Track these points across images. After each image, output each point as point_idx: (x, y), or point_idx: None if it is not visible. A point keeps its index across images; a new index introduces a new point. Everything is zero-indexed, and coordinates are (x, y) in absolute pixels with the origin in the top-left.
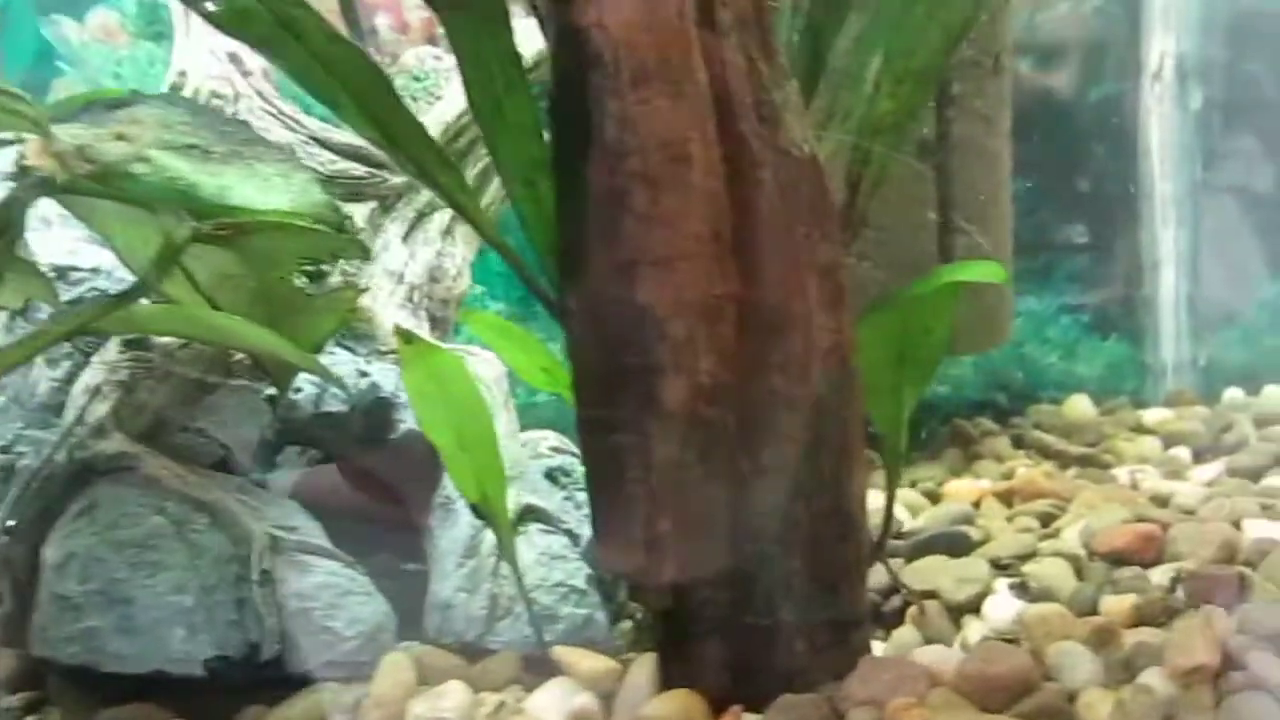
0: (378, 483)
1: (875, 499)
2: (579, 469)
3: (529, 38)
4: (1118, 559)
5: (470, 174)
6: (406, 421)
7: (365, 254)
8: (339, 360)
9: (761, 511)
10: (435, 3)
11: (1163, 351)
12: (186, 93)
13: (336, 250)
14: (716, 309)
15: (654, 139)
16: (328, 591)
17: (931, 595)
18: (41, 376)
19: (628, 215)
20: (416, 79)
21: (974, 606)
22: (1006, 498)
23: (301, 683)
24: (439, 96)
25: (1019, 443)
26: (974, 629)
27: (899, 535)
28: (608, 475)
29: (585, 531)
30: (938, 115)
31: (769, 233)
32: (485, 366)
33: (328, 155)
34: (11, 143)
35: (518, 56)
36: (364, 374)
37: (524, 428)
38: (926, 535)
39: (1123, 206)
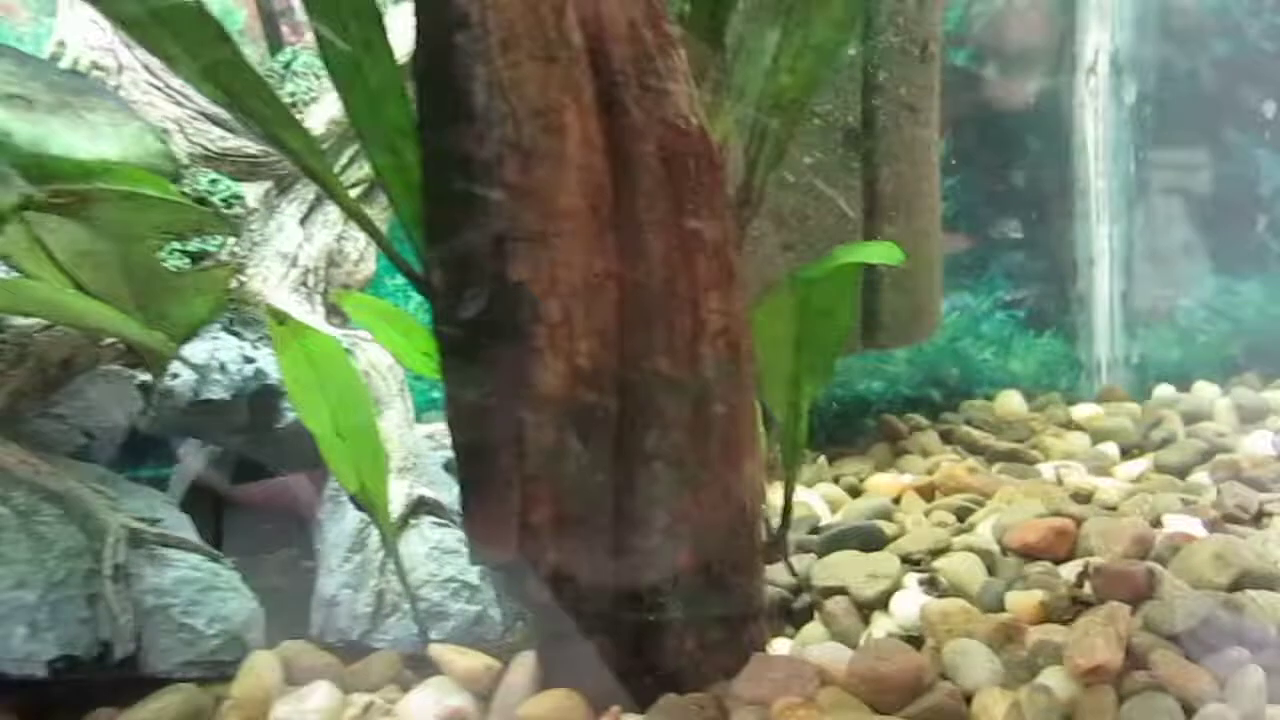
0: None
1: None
2: None
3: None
4: (1029, 554)
5: None
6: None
7: (232, 230)
8: (223, 346)
9: (646, 501)
10: None
11: (1096, 348)
12: (64, 64)
13: (198, 224)
14: (596, 288)
15: (525, 106)
16: (189, 587)
17: (841, 591)
18: None
19: (498, 187)
20: None
21: (883, 603)
22: (928, 493)
23: (158, 684)
24: None
25: (947, 438)
26: (882, 626)
27: (814, 530)
28: (479, 462)
29: None
30: (863, 103)
31: (652, 209)
32: (379, 353)
33: (218, 131)
34: None
35: (377, 12)
36: (249, 360)
37: (430, 419)
38: (838, 530)
39: (1058, 202)
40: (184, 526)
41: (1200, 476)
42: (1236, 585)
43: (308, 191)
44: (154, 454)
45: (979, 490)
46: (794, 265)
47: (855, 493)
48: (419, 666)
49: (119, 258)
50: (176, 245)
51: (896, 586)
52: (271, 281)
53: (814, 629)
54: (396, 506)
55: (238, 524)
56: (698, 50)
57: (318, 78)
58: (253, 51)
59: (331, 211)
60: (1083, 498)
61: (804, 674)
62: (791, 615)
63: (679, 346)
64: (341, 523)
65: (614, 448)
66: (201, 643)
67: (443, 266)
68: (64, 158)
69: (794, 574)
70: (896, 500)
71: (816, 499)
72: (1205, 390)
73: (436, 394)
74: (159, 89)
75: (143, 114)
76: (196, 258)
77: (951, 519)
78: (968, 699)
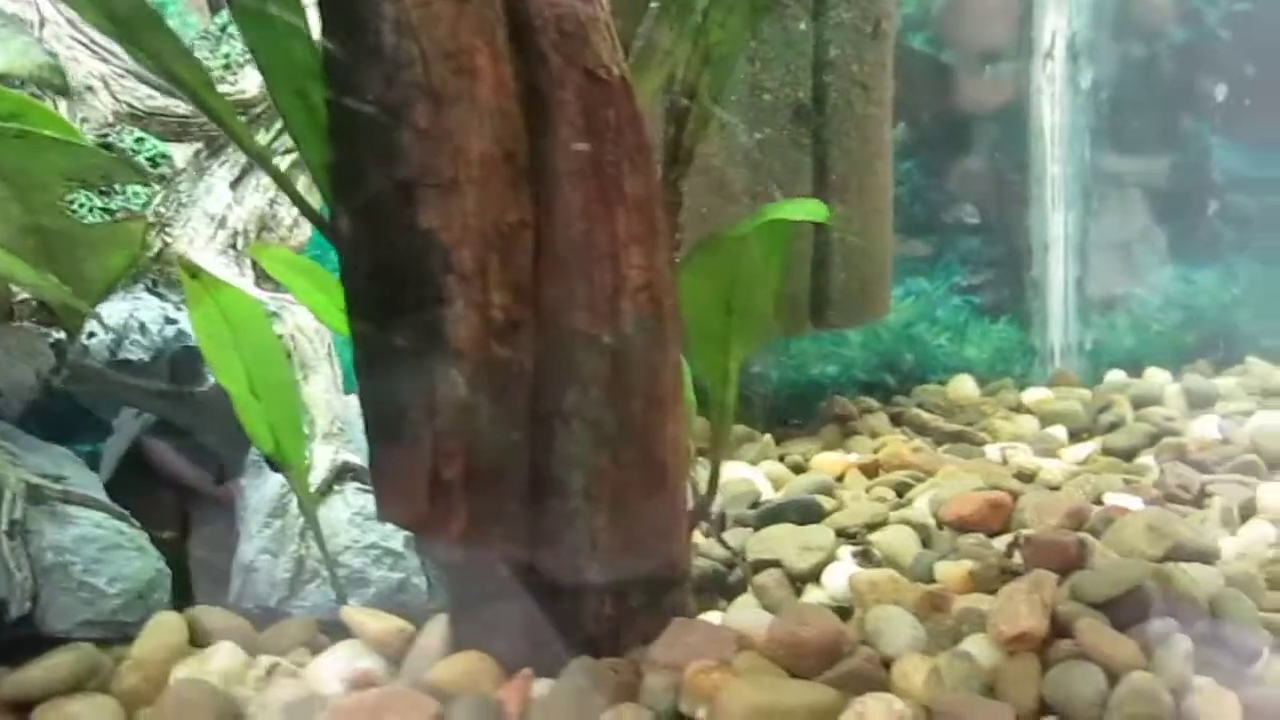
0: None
1: (737, 470)
2: None
3: None
4: (964, 527)
5: None
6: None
7: (141, 179)
8: (144, 306)
9: (562, 460)
10: None
11: (1051, 335)
12: None
13: (104, 172)
14: (510, 238)
15: (435, 48)
16: (91, 545)
17: (774, 564)
18: None
19: (407, 131)
20: None
21: (816, 575)
22: (872, 471)
23: (57, 644)
24: None
25: (897, 420)
26: (813, 597)
27: (754, 505)
28: (388, 418)
29: None
30: (814, 80)
31: (571, 159)
32: (306, 317)
33: (146, 90)
34: None
35: None
36: (171, 321)
37: None
38: (775, 504)
39: (1014, 187)
40: (92, 485)
41: (1147, 459)
42: (1169, 557)
43: (241, 155)
44: (92, 427)
45: (922, 468)
46: None
47: (800, 471)
48: (337, 632)
49: (24, 207)
50: (97, 203)
51: (830, 559)
52: (198, 243)
53: (746, 602)
54: (321, 472)
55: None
56: (627, 4)
57: None
58: (199, 19)
59: (265, 176)
60: (1026, 477)
61: (722, 639)
62: (726, 589)
63: (598, 302)
64: (263, 488)
65: (530, 405)
66: (102, 602)
67: (350, 213)
68: None
69: (723, 542)
70: (840, 478)
71: (760, 476)
72: (1156, 376)
73: None
74: (83, 44)
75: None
76: (118, 216)
77: (891, 495)
78: (888, 665)
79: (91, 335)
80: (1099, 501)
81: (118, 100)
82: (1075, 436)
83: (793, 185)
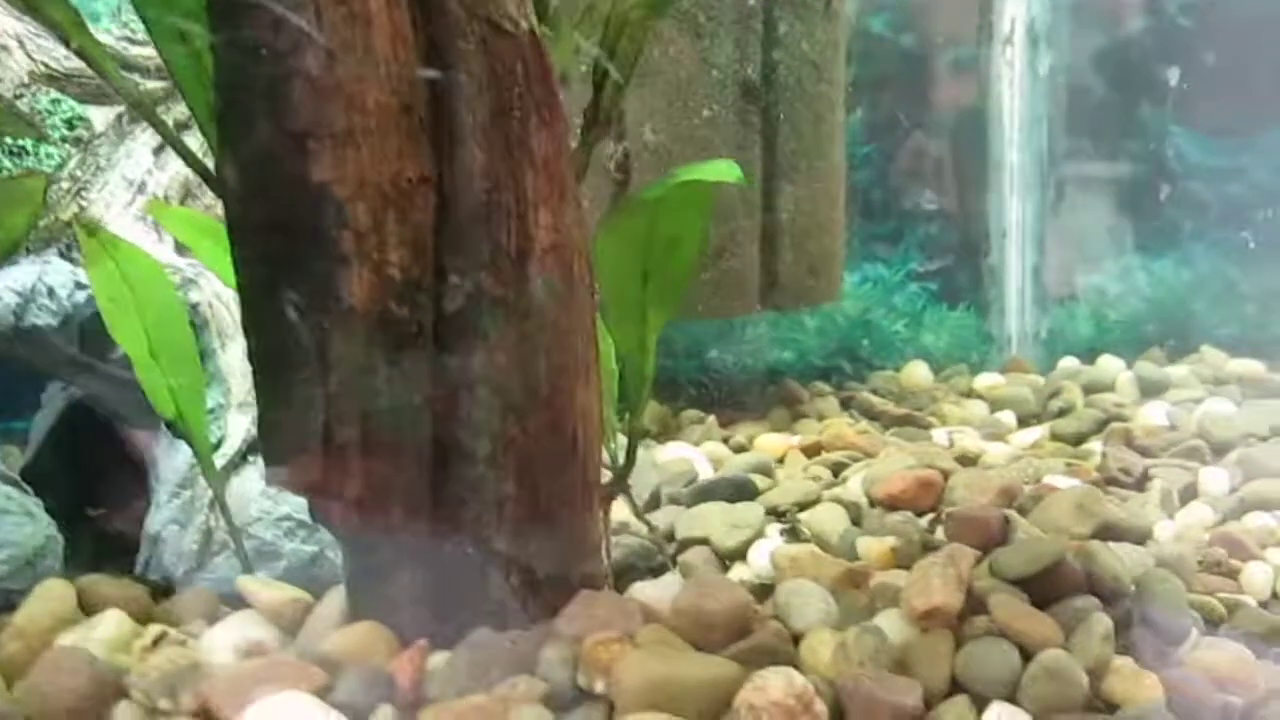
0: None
1: (677, 449)
2: None
3: None
4: (894, 505)
5: None
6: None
7: (33, 133)
8: (53, 270)
9: (466, 427)
10: None
11: (1008, 322)
12: None
13: None
14: (408, 194)
15: None
16: None
17: (703, 542)
18: None
19: (297, 79)
20: None
21: (743, 553)
22: (814, 452)
23: None
24: None
25: (847, 405)
26: (739, 574)
27: (690, 484)
28: (277, 379)
29: None
30: (763, 57)
31: (474, 113)
32: (223, 285)
33: (63, 51)
34: None
35: None
36: (81, 286)
37: None
38: (708, 482)
39: (973, 174)
40: None
41: (1095, 445)
42: (1099, 536)
43: (166, 118)
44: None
45: (863, 450)
46: None
47: (743, 452)
48: (241, 605)
49: None
50: (7, 164)
51: (758, 536)
52: (115, 207)
53: (672, 580)
54: (235, 442)
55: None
56: None
57: None
58: None
59: (192, 142)
60: (969, 460)
61: (628, 611)
62: (656, 566)
63: (503, 263)
64: (174, 458)
65: (433, 369)
66: None
67: (236, 165)
68: None
69: (639, 515)
70: (781, 459)
71: (701, 457)
72: (1109, 364)
73: None
74: None
75: None
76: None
77: (827, 474)
78: (798, 640)
79: None
80: (1037, 483)
81: (33, 60)
82: (1024, 422)
83: (740, 164)
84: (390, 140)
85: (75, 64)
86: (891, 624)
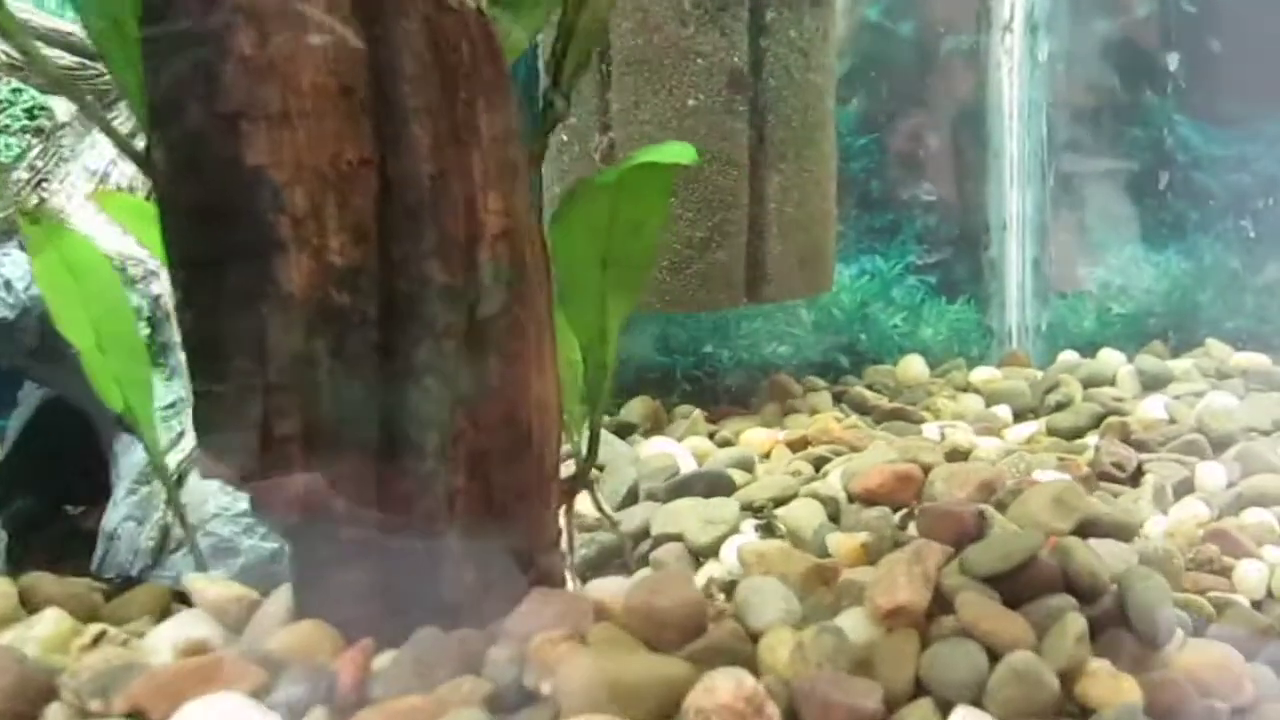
0: None
1: (659, 445)
2: None
3: None
4: (872, 500)
5: None
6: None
7: None
8: (11, 261)
9: (415, 419)
10: None
11: (1008, 316)
12: None
13: None
14: (348, 177)
15: None
16: None
17: (677, 538)
18: None
19: (230, 58)
20: None
21: (716, 549)
22: (800, 447)
23: None
24: None
25: (840, 399)
26: (711, 571)
27: (670, 479)
28: (213, 368)
29: None
30: (750, 44)
31: (418, 94)
32: None
33: None
34: None
35: None
36: None
37: None
38: (684, 477)
39: (972, 164)
40: None
41: (1092, 440)
42: (1079, 532)
43: (131, 111)
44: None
45: (849, 444)
46: (677, 212)
47: (728, 447)
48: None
49: None
50: None
51: (732, 532)
52: (76, 199)
53: (632, 577)
54: (193, 437)
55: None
56: None
57: None
58: None
59: None
60: (959, 455)
61: (581, 609)
62: (629, 563)
63: (451, 250)
64: (133, 453)
65: (380, 360)
66: None
67: (167, 147)
68: None
69: (601, 510)
70: (767, 454)
71: (685, 452)
72: (1110, 357)
73: None
74: None
75: None
76: None
77: (809, 469)
78: (758, 639)
79: None
80: (1021, 479)
81: None
82: (1021, 416)
83: (728, 154)
84: (328, 122)
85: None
86: (855, 623)
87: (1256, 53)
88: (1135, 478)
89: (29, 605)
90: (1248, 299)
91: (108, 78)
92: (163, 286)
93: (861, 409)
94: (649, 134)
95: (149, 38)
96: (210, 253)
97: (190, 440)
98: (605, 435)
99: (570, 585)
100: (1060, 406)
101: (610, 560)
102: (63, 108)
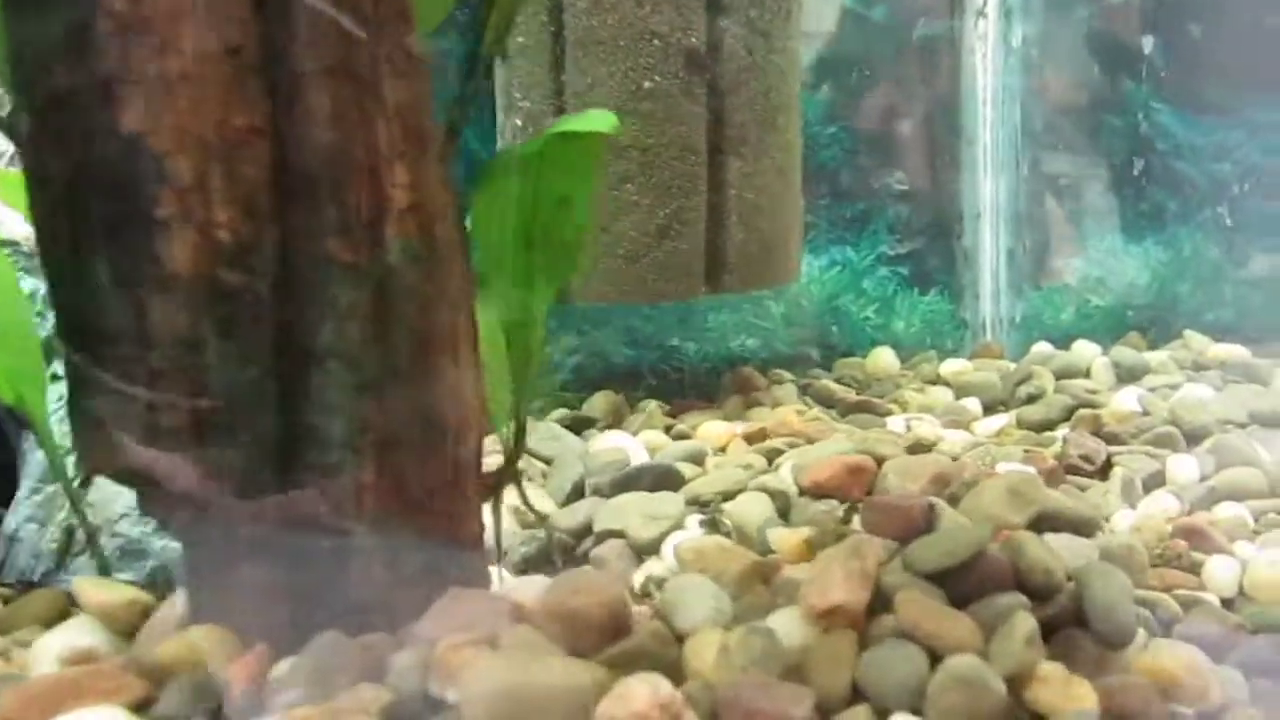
0: None
1: (611, 439)
2: None
3: None
4: (822, 493)
5: None
6: None
7: None
8: None
9: (318, 406)
10: None
11: (982, 307)
12: None
13: None
14: (237, 146)
15: None
16: None
17: (619, 534)
18: None
19: (102, 17)
20: None
21: (659, 546)
22: (758, 439)
23: None
24: None
25: (805, 391)
26: (653, 568)
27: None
28: (91, 355)
29: None
30: (709, 25)
31: (315, 57)
32: None
33: None
34: None
35: None
36: None
37: None
38: (630, 471)
39: (945, 152)
40: None
41: (1063, 433)
42: (1035, 526)
43: None
44: None
45: (807, 436)
46: (634, 199)
47: (684, 440)
48: None
49: None
50: None
51: (676, 528)
52: None
53: (565, 575)
54: None
55: None
56: None
57: None
58: None
59: None
60: (922, 448)
61: (497, 610)
62: (572, 559)
63: (354, 225)
64: (37, 450)
65: (278, 344)
66: None
67: (34, 113)
68: None
69: (529, 505)
70: (723, 448)
71: (638, 446)
72: (1084, 349)
73: None
74: None
75: None
76: None
77: (762, 462)
78: (681, 641)
79: None
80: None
81: None
82: (991, 409)
83: (686, 138)
84: (213, 85)
85: None
86: (789, 624)
87: (1237, 39)
88: (1104, 471)
89: None
90: (1228, 290)
91: None
92: None
93: (827, 402)
94: None
95: None
96: (84, 229)
97: None
98: (555, 429)
99: (498, 584)
100: (1031, 399)
101: (555, 557)
102: None
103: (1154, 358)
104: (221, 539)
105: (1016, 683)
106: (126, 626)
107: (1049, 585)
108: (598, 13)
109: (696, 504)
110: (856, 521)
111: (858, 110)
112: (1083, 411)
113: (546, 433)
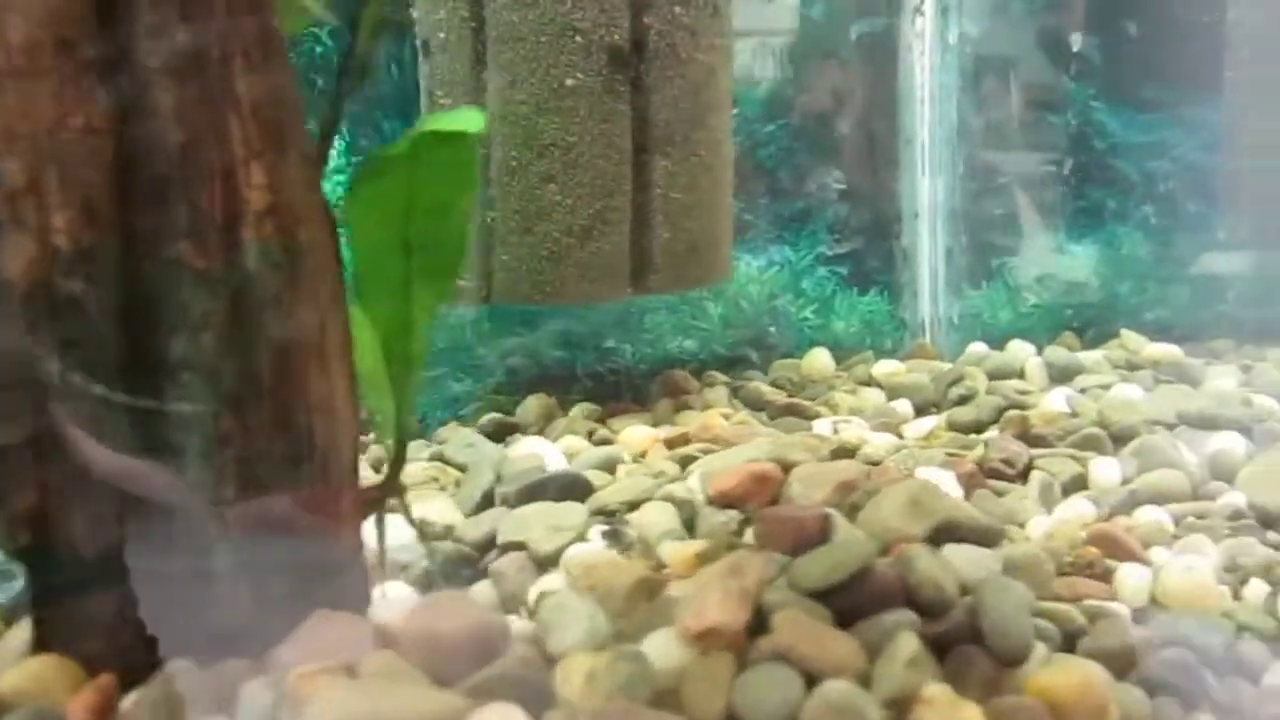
0: None
1: (527, 445)
2: None
3: None
4: (727, 502)
5: None
6: None
7: None
8: None
9: (173, 421)
10: None
11: (921, 307)
12: None
13: None
14: (74, 146)
15: None
16: None
17: (520, 546)
18: None
19: None
20: None
21: (558, 558)
22: (680, 445)
23: None
24: None
25: (736, 394)
26: (551, 582)
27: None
28: None
29: None
30: (633, 22)
31: (159, 51)
32: None
33: None
34: None
35: None
36: None
37: None
38: (536, 480)
39: (883, 151)
40: None
41: (993, 434)
42: (936, 537)
43: None
44: None
45: (729, 442)
46: (557, 198)
47: (605, 445)
48: None
49: None
50: None
51: (578, 539)
52: None
53: (483, 590)
54: None
55: None
56: None
57: None
58: None
59: None
60: (846, 452)
61: (361, 636)
62: (477, 574)
63: (207, 230)
64: None
65: (128, 356)
66: None
67: None
68: None
69: (410, 519)
70: (644, 454)
71: (556, 452)
72: (1019, 349)
73: None
74: None
75: None
76: None
77: (675, 469)
78: (556, 664)
79: None
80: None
81: None
82: (923, 411)
83: (610, 136)
84: (46, 82)
85: None
86: (666, 646)
87: (1176, 37)
88: (1025, 474)
89: None
90: (1168, 290)
91: None
92: None
93: (757, 405)
94: (526, 115)
95: None
96: None
97: None
98: (472, 436)
99: (380, 604)
100: (963, 400)
101: (457, 571)
102: None
103: (1088, 358)
104: (68, 563)
105: (899, 706)
106: None
107: (940, 601)
108: (518, 8)
109: (602, 514)
110: (750, 534)
111: (796, 109)
112: (1011, 413)
113: (462, 440)
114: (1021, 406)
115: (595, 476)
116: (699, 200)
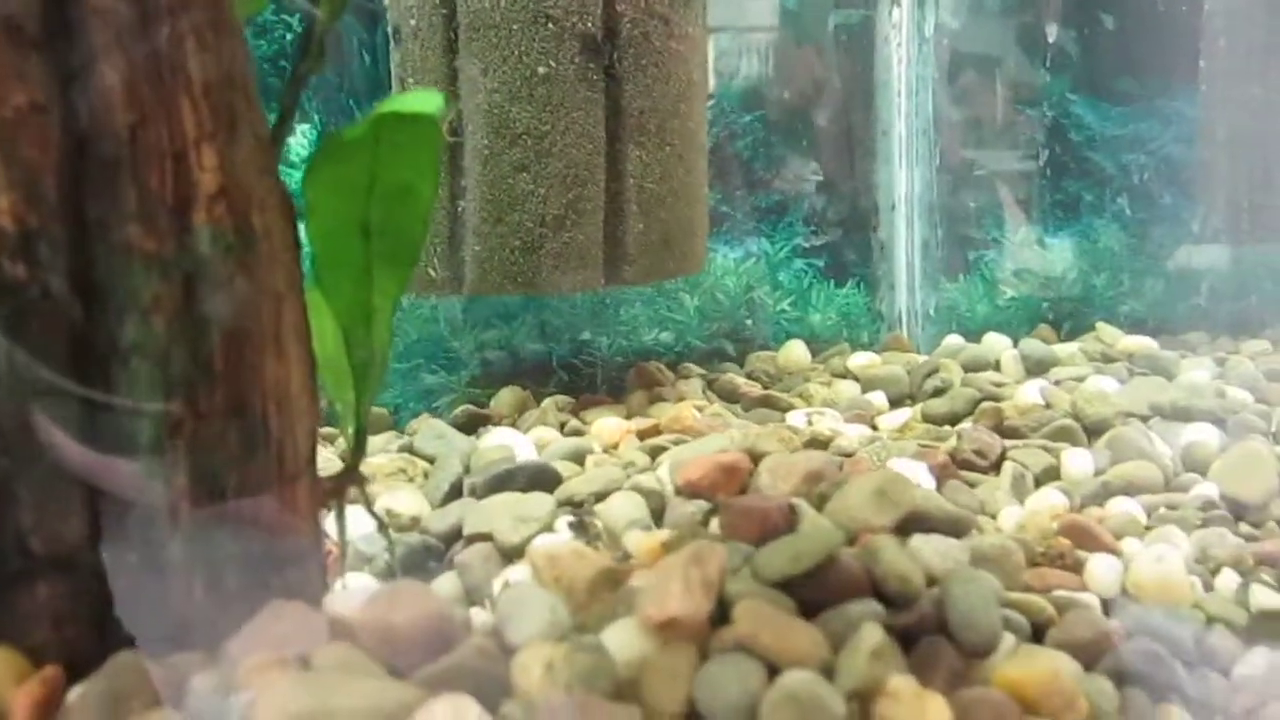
0: None
1: (498, 436)
2: None
3: None
4: (695, 492)
5: None
6: None
7: None
8: None
9: (118, 407)
10: None
11: (898, 299)
12: None
13: None
14: (16, 126)
15: None
16: None
17: (487, 537)
18: None
19: None
20: None
21: (524, 549)
22: (652, 435)
23: None
24: None
25: (710, 386)
26: (517, 573)
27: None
28: None
29: None
30: (605, 10)
31: (106, 28)
32: None
33: None
34: None
35: None
36: None
37: None
38: (504, 470)
39: (861, 143)
40: None
41: (968, 425)
42: (904, 527)
43: None
44: None
45: (699, 433)
46: (529, 188)
47: (576, 437)
48: None
49: None
50: None
51: (544, 530)
52: None
53: (448, 581)
54: None
55: None
56: None
57: None
58: None
59: None
60: (819, 444)
61: (315, 626)
62: (441, 566)
63: (156, 212)
64: None
65: (75, 341)
66: None
67: None
68: None
69: (371, 510)
70: (615, 445)
71: (526, 443)
72: (994, 341)
73: None
74: None
75: None
76: None
77: (645, 460)
78: (514, 655)
79: None
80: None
81: None
82: (898, 402)
83: (583, 125)
84: None
85: None
86: (627, 637)
87: (1153, 29)
88: (998, 466)
89: None
90: (1143, 283)
91: None
92: None
93: (730, 397)
94: (498, 103)
95: None
96: None
97: None
98: (441, 427)
99: (338, 595)
100: (938, 392)
101: (423, 563)
102: None
103: (1064, 350)
104: (15, 551)
105: (863, 698)
106: None
107: (905, 592)
108: None
109: (569, 505)
110: (715, 524)
111: (773, 100)
112: (986, 405)
113: (432, 431)
114: (996, 398)
115: (564, 467)
116: (673, 190)
